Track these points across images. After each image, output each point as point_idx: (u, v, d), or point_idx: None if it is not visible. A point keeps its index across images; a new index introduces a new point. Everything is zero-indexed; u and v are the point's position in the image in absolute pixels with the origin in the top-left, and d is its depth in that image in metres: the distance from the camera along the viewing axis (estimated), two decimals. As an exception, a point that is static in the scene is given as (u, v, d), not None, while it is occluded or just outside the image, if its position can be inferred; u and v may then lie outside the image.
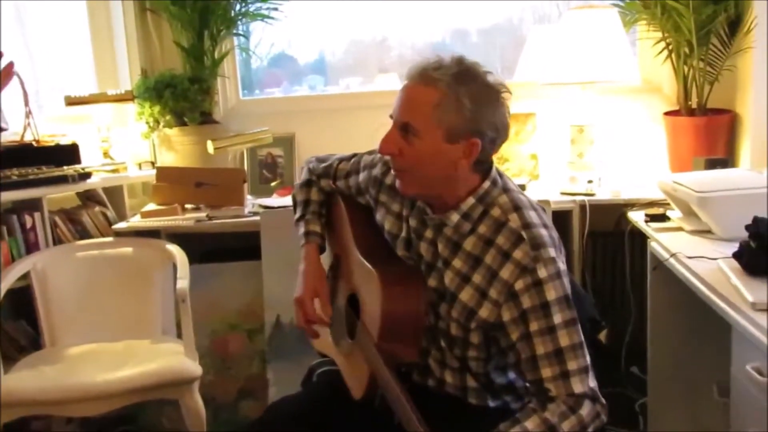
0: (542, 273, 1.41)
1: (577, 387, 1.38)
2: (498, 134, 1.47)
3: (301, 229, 1.83)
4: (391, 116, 1.49)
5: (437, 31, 3.44)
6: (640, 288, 2.56)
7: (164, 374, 2.34)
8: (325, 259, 1.85)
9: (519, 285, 1.41)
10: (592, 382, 1.41)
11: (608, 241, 2.92)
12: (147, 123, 3.03)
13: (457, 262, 1.50)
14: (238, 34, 3.20)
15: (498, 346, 1.50)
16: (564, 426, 1.34)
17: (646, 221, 2.38)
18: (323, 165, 1.86)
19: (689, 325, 2.30)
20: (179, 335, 2.58)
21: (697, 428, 2.36)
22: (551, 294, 1.40)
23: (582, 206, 2.67)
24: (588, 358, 1.42)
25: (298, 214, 1.86)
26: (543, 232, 1.46)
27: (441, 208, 1.52)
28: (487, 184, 1.50)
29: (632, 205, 2.61)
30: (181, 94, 2.92)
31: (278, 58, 3.59)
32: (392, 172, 1.58)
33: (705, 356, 2.23)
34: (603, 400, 1.41)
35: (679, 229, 2.24)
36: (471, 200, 1.49)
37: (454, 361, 1.57)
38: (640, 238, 2.53)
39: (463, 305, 1.49)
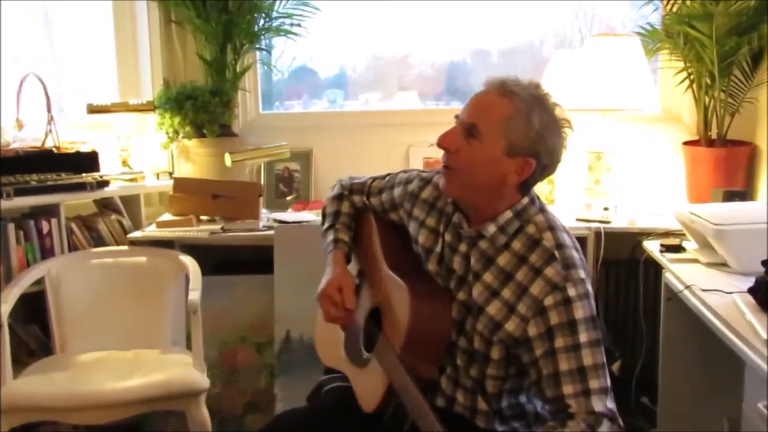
0: (572, 292, 1.43)
1: (598, 406, 1.38)
2: (551, 163, 1.51)
3: (330, 237, 1.83)
4: (456, 116, 1.53)
5: (458, 50, 3.45)
6: (653, 318, 2.54)
7: (172, 385, 2.34)
8: (350, 271, 1.84)
9: (548, 301, 1.43)
10: (611, 404, 1.41)
11: (622, 269, 2.90)
12: (167, 133, 3.05)
13: (488, 276, 1.52)
14: (260, 49, 3.23)
15: (517, 366, 1.52)
16: None
17: (662, 251, 2.36)
18: (357, 182, 1.89)
19: (702, 359, 2.28)
20: (188, 346, 2.59)
21: (706, 463, 2.33)
22: (579, 313, 1.42)
23: (597, 233, 2.66)
24: (609, 380, 1.42)
25: (327, 224, 1.86)
26: (575, 254, 1.49)
27: (477, 219, 1.55)
28: (525, 200, 1.54)
29: (648, 234, 2.59)
30: (202, 106, 2.95)
31: (299, 71, 3.61)
32: (429, 186, 1.67)
33: (716, 390, 2.21)
34: (621, 422, 1.41)
35: (695, 260, 2.22)
36: (509, 213, 1.52)
37: (468, 381, 1.57)
38: (654, 268, 2.51)
39: (490, 318, 1.50)
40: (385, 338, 1.60)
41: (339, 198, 1.88)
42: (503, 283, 1.50)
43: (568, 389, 1.39)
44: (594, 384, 1.39)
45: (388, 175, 1.85)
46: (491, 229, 1.52)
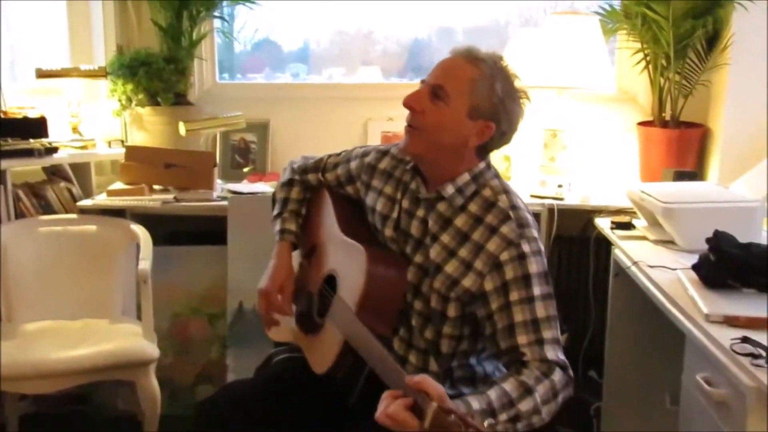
0: (526, 248, 1.50)
1: (550, 354, 1.44)
2: (509, 130, 1.59)
3: (277, 227, 1.86)
4: (422, 81, 1.58)
5: (423, 27, 3.44)
6: (602, 294, 2.58)
7: (121, 355, 2.32)
8: (296, 258, 1.87)
9: (504, 256, 1.49)
10: (562, 355, 1.46)
11: (574, 245, 2.94)
12: (119, 101, 2.98)
13: (445, 237, 1.57)
14: (218, 17, 3.17)
15: (471, 327, 1.57)
16: (539, 390, 1.38)
17: (612, 228, 2.40)
18: (312, 160, 1.91)
19: (647, 333, 2.33)
20: (139, 317, 2.56)
21: (649, 435, 2.39)
22: (533, 268, 1.49)
23: (550, 210, 2.69)
24: (560, 335, 1.49)
25: (276, 212, 1.89)
26: (528, 215, 1.58)
27: (436, 181, 1.60)
28: (482, 165, 1.61)
29: (600, 211, 2.63)
30: (156, 74, 2.88)
31: (262, 43, 3.56)
32: (386, 157, 1.73)
33: (660, 364, 2.26)
34: (572, 373, 1.46)
35: (644, 238, 2.26)
36: (466, 176, 1.59)
37: (422, 342, 1.60)
38: (605, 245, 2.55)
39: (447, 275, 1.55)
40: (341, 300, 1.61)
41: (289, 183, 1.90)
42: (460, 243, 1.55)
43: (522, 339, 1.45)
44: (547, 334, 1.45)
45: (344, 151, 1.88)
46: (450, 189, 1.58)
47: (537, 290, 1.48)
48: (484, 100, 1.53)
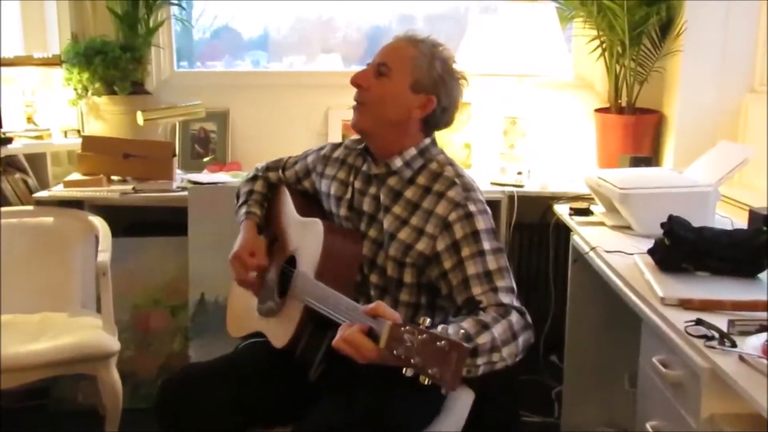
0: (473, 207, 1.59)
1: (505, 299, 1.50)
2: (449, 106, 1.69)
3: (242, 211, 1.93)
4: (368, 64, 1.69)
5: (384, 14, 3.43)
6: (562, 280, 2.63)
7: (81, 348, 2.29)
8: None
9: (452, 216, 1.58)
10: (518, 303, 1.52)
11: (534, 232, 2.99)
12: (75, 90, 2.92)
13: (396, 209, 1.66)
14: (174, 4, 3.12)
15: (428, 296, 1.65)
16: (496, 328, 1.41)
17: (571, 214, 2.44)
18: (273, 161, 2.02)
19: (605, 317, 2.38)
20: (99, 309, 2.52)
21: (609, 417, 2.44)
22: (480, 224, 1.58)
23: (510, 197, 2.72)
24: (514, 284, 1.55)
25: (240, 202, 1.97)
26: (473, 183, 1.68)
27: (384, 155, 1.69)
28: (428, 140, 1.71)
29: (559, 198, 2.67)
30: (112, 62, 2.83)
31: (221, 31, 3.51)
32: (341, 147, 1.84)
33: (619, 348, 2.31)
34: (530, 320, 1.51)
35: (602, 223, 2.30)
36: (413, 150, 1.68)
37: None
38: (564, 231, 2.58)
39: (401, 242, 1.63)
40: (301, 275, 1.66)
41: (253, 179, 2.01)
42: (411, 212, 1.64)
43: (477, 290, 1.51)
44: (500, 283, 1.52)
45: (304, 151, 1.98)
46: (398, 162, 1.68)
47: (486, 245, 1.55)
48: (424, 76, 1.64)
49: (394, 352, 1.23)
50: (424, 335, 1.20)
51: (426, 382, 1.20)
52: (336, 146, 1.88)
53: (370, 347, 1.30)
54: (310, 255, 1.66)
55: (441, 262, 1.57)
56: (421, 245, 1.60)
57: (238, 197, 2.00)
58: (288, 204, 1.89)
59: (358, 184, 1.74)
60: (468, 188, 1.63)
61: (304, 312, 1.61)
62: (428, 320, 1.26)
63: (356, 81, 1.67)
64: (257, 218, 1.91)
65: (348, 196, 1.76)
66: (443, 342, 1.19)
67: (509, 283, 1.54)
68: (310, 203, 1.88)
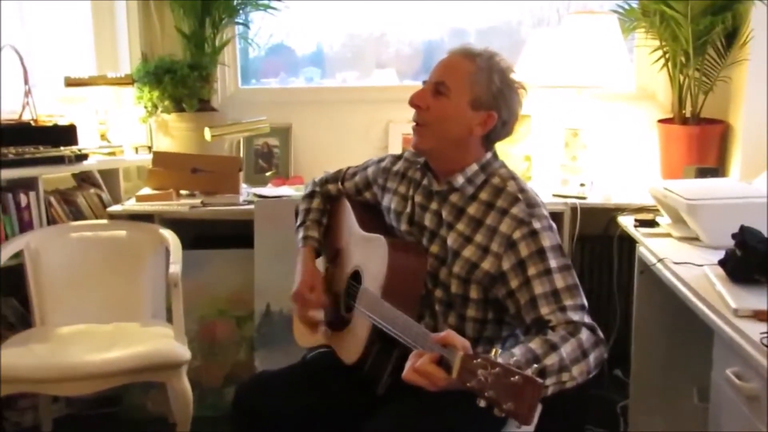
0: (537, 225, 1.56)
1: (575, 317, 1.47)
2: (509, 119, 1.66)
3: (300, 234, 1.95)
4: (424, 82, 1.66)
5: (435, 29, 3.45)
6: (626, 292, 2.60)
7: (153, 357, 2.35)
8: (320, 264, 1.94)
9: (516, 235, 1.55)
10: (589, 319, 1.49)
11: (597, 244, 2.96)
12: (145, 107, 3.03)
13: (460, 226, 1.64)
14: (239, 23, 3.21)
15: (495, 312, 1.62)
16: (565, 347, 1.40)
17: (636, 226, 2.41)
18: (332, 172, 2.02)
19: (673, 330, 2.34)
20: (169, 319, 2.60)
21: (676, 432, 2.40)
22: (546, 242, 1.55)
23: (573, 209, 2.71)
24: (584, 300, 1.52)
25: (298, 222, 1.99)
26: (537, 198, 1.64)
27: (446, 173, 1.68)
28: (489, 155, 1.68)
29: (622, 209, 2.64)
30: (181, 81, 2.93)
31: (276, 48, 3.59)
32: (401, 160, 1.82)
33: (687, 361, 2.27)
34: (602, 335, 1.48)
35: (668, 235, 2.27)
36: (475, 166, 1.66)
37: (446, 328, 1.61)
38: (629, 243, 2.56)
39: (466, 260, 1.60)
40: (367, 291, 1.68)
41: (310, 196, 2.01)
42: (475, 229, 1.62)
43: (545, 309, 1.49)
44: (569, 302, 1.49)
45: (364, 162, 1.98)
46: (460, 179, 1.65)
47: (553, 263, 1.52)
48: (483, 91, 1.61)
49: (467, 384, 1.22)
50: (497, 369, 1.19)
51: (500, 415, 1.19)
52: (396, 158, 1.87)
53: (442, 376, 1.29)
54: (376, 272, 1.66)
55: (507, 281, 1.55)
56: (487, 264, 1.58)
57: (296, 214, 2.02)
58: (350, 216, 1.89)
59: (418, 198, 1.73)
60: (532, 204, 1.60)
61: (372, 330, 1.61)
62: (500, 350, 1.26)
63: (414, 102, 1.64)
64: (314, 242, 1.92)
65: (408, 210, 1.75)
66: (517, 377, 1.18)
67: (578, 300, 1.51)
68: (371, 215, 1.87)
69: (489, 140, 1.67)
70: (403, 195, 1.78)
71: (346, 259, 1.86)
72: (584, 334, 1.44)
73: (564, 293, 1.50)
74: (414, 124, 1.66)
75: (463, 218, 1.64)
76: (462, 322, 1.64)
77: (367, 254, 1.75)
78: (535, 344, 1.39)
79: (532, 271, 1.52)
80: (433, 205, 1.70)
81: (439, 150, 1.66)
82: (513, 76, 1.66)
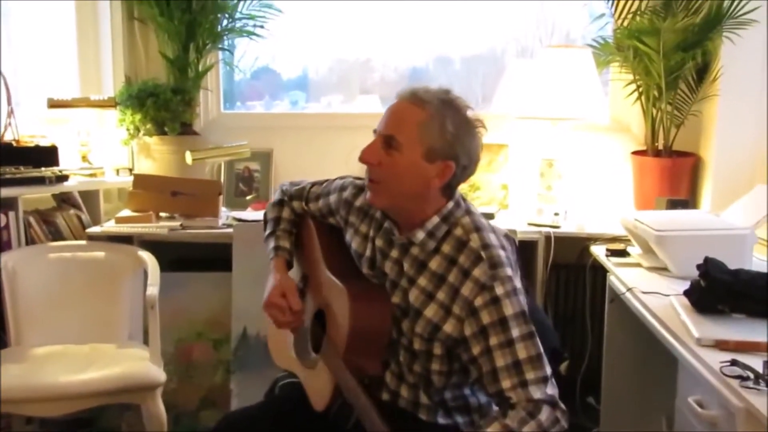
0: (500, 290, 1.49)
1: (536, 394, 1.44)
2: (470, 163, 1.57)
3: (271, 244, 1.88)
4: (375, 131, 1.57)
5: (421, 56, 3.50)
6: (599, 320, 2.64)
7: (128, 378, 2.36)
8: (293, 275, 1.89)
9: (478, 301, 1.49)
10: (551, 390, 1.46)
11: (571, 272, 3.01)
12: (127, 130, 3.06)
13: (422, 281, 1.57)
14: (223, 49, 3.26)
15: (460, 362, 1.57)
16: (524, 430, 1.40)
17: (607, 255, 2.46)
18: (296, 188, 1.92)
19: (643, 358, 2.38)
20: (146, 341, 2.61)
21: (646, 459, 2.43)
22: (509, 310, 1.48)
23: (547, 237, 2.76)
24: (547, 369, 1.48)
25: (268, 231, 1.91)
26: (501, 252, 1.55)
27: (407, 226, 1.60)
28: (451, 204, 1.59)
29: (595, 239, 2.70)
30: (163, 104, 2.97)
31: (261, 71, 3.63)
32: (363, 194, 1.67)
33: (656, 389, 2.31)
34: (563, 406, 1.46)
35: (638, 265, 2.32)
36: (436, 219, 1.57)
37: (411, 377, 1.63)
38: (601, 272, 2.61)
39: (428, 321, 1.55)
40: (329, 340, 1.66)
41: (280, 204, 1.92)
42: (437, 286, 1.55)
43: (506, 383, 1.45)
44: (530, 375, 1.45)
45: (326, 180, 1.88)
46: (420, 235, 1.57)
47: (515, 332, 1.47)
48: (437, 141, 1.51)
49: None
50: None
51: None
52: (358, 191, 1.74)
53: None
54: (338, 326, 1.62)
55: (469, 348, 1.50)
56: (449, 327, 1.52)
57: (265, 222, 1.93)
58: (315, 246, 1.83)
59: (379, 243, 1.65)
60: (495, 263, 1.51)
61: (336, 387, 1.61)
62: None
63: (365, 159, 1.55)
64: (286, 254, 1.85)
65: (368, 254, 1.67)
66: None
67: (540, 372, 1.46)
68: (337, 246, 1.79)
69: (450, 188, 1.58)
70: (364, 235, 1.70)
71: (312, 290, 1.83)
72: (544, 414, 1.42)
73: (526, 365, 1.45)
74: (367, 180, 1.58)
75: (425, 273, 1.57)
76: (427, 375, 1.61)
77: (330, 300, 1.70)
78: (493, 430, 1.41)
79: (493, 341, 1.47)
80: (394, 253, 1.62)
81: (396, 206, 1.59)
82: (469, 114, 1.56)
